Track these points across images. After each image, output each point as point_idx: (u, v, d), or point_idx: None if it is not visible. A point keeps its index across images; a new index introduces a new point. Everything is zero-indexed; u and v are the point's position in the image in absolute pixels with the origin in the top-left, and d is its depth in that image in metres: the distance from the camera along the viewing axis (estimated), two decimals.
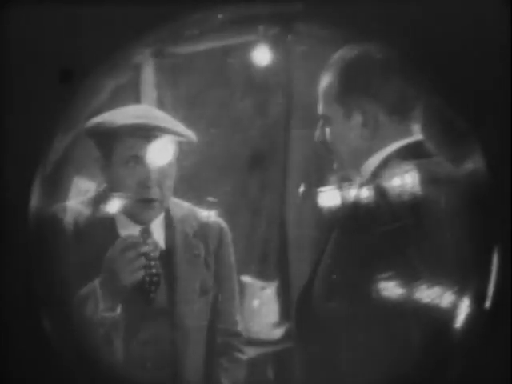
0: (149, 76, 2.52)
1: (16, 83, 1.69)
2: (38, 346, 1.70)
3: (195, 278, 2.19)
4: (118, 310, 2.03)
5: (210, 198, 2.29)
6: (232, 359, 2.26)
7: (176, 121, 2.17)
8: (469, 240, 1.78)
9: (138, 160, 2.10)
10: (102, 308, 2.00)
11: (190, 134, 2.16)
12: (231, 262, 2.27)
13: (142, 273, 2.04)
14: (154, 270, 2.14)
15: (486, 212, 1.77)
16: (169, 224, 2.19)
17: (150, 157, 2.10)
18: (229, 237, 2.26)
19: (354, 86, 1.94)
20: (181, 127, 2.16)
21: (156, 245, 2.15)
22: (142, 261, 2.03)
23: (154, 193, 2.10)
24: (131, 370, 2.07)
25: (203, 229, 2.22)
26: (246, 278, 2.75)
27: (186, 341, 2.15)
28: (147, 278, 2.12)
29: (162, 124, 2.12)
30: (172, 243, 2.18)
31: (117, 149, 2.11)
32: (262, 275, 2.79)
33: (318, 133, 2.03)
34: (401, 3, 1.74)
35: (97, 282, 2.01)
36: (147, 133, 2.09)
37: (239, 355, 2.28)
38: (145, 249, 2.05)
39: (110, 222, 2.06)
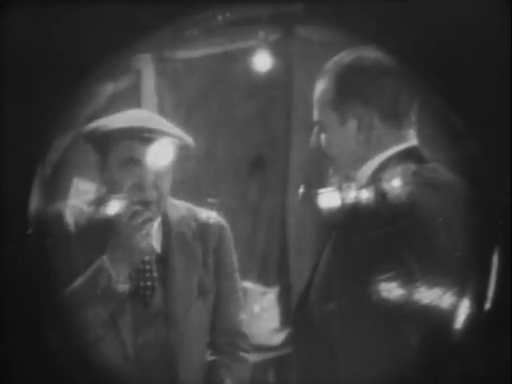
0: (149, 81, 2.53)
1: (16, 83, 1.69)
2: (38, 346, 1.69)
3: (192, 278, 2.18)
4: (128, 284, 2.05)
5: (211, 200, 2.30)
6: (236, 358, 2.25)
7: (173, 125, 2.17)
8: (468, 241, 1.78)
9: (135, 162, 2.10)
10: (114, 280, 2.02)
11: (187, 138, 2.16)
12: (232, 261, 2.25)
13: (151, 238, 2.09)
14: (147, 274, 2.14)
15: (485, 212, 1.76)
16: (165, 226, 2.19)
17: (146, 159, 2.10)
18: (230, 235, 2.25)
19: (348, 92, 1.94)
20: (178, 131, 2.16)
21: (152, 248, 2.15)
22: (150, 225, 2.06)
23: (150, 195, 2.10)
24: (131, 371, 2.07)
25: (202, 229, 2.22)
26: (247, 284, 2.75)
27: (184, 341, 2.14)
28: (141, 283, 2.13)
29: (159, 127, 2.13)
30: (168, 245, 2.18)
31: (113, 151, 2.11)
32: (263, 280, 2.79)
33: (313, 139, 2.02)
34: (401, 4, 1.74)
35: (105, 258, 2.03)
36: (143, 135, 2.10)
37: (244, 354, 2.27)
38: (149, 214, 2.07)
39: (109, 223, 2.06)
